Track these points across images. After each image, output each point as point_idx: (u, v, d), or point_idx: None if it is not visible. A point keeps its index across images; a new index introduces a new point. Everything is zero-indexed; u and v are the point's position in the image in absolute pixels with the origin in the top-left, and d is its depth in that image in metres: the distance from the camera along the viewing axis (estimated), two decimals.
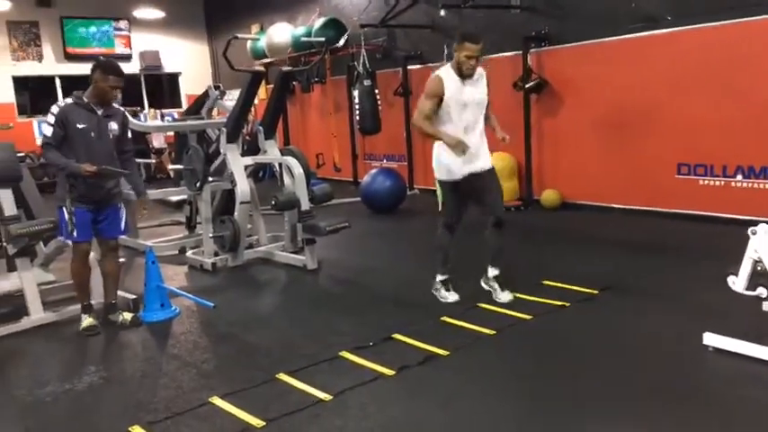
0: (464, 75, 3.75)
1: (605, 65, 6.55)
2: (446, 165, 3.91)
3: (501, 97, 7.47)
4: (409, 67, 8.62)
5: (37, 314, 3.99)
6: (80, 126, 3.70)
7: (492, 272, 4.09)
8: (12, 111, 11.78)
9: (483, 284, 4.15)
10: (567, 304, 3.87)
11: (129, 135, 4.11)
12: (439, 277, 4.14)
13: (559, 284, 4.24)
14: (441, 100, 3.76)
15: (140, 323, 4.00)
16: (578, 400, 2.71)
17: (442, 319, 3.74)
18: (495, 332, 3.48)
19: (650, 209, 6.35)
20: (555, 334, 3.49)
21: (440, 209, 4.13)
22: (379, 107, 8.41)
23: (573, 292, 4.08)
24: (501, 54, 7.43)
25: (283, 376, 3.06)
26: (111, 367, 3.42)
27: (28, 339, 3.84)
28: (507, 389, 2.87)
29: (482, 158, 3.93)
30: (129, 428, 2.62)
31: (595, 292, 4.06)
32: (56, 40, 12.10)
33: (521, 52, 7.09)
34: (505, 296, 4.01)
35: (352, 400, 2.80)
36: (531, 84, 7.01)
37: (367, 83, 8.18)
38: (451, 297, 4.09)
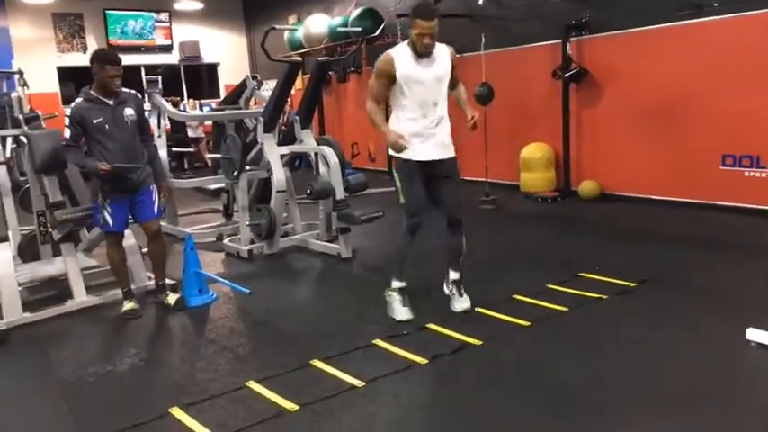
0: (420, 54, 3.40)
1: (648, 53, 6.39)
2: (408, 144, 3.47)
3: (540, 86, 7.40)
4: None
5: (80, 297, 4.12)
6: (96, 121, 3.76)
7: (452, 275, 3.79)
8: (56, 100, 12.12)
9: (445, 289, 3.88)
10: (604, 297, 3.80)
11: (147, 117, 4.14)
12: (395, 283, 3.73)
13: (596, 276, 4.17)
14: (394, 80, 3.44)
15: (185, 305, 4.09)
16: (615, 395, 2.66)
17: (476, 309, 3.72)
18: (529, 323, 3.45)
19: (692, 201, 6.19)
20: (591, 326, 3.44)
21: (401, 201, 3.62)
22: None
23: (610, 284, 4.01)
24: (540, 43, 7.32)
25: (317, 362, 3.09)
26: (150, 350, 3.52)
27: (72, 321, 3.97)
28: (541, 380, 2.84)
29: (446, 143, 3.61)
30: (169, 409, 2.68)
31: (633, 284, 3.98)
32: (99, 31, 12.38)
33: (560, 41, 6.96)
34: (461, 304, 3.69)
35: (385, 388, 2.81)
36: (571, 73, 6.88)
37: None
38: (401, 314, 3.62)
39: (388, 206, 5.76)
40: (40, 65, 11.54)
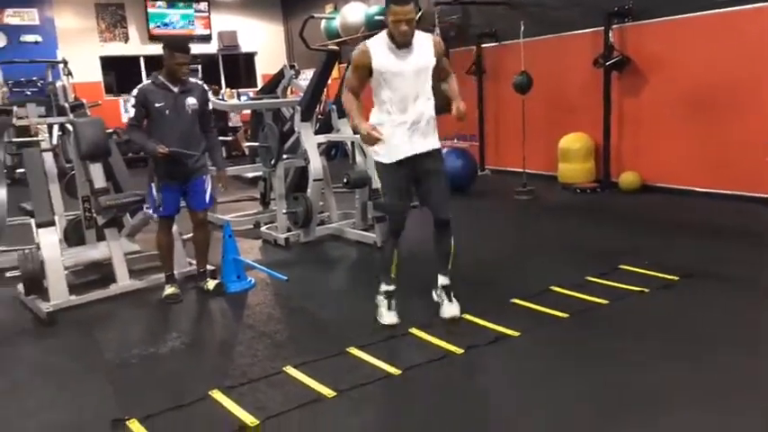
0: (398, 43, 3.16)
1: (692, 41, 6.20)
2: (386, 139, 3.23)
3: (580, 75, 7.26)
4: (483, 46, 8.46)
5: (123, 281, 4.23)
6: (157, 105, 3.84)
7: (440, 280, 3.55)
8: (99, 89, 12.40)
9: (434, 295, 3.67)
10: (646, 290, 3.72)
11: (211, 108, 4.22)
12: (382, 287, 3.53)
13: (637, 269, 4.09)
14: (370, 72, 3.23)
15: (224, 291, 4.16)
16: (658, 389, 2.61)
17: (512, 300, 3.69)
18: (568, 315, 3.40)
19: (737, 193, 6.00)
20: (632, 320, 3.38)
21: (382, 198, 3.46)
22: None
23: (652, 277, 3.93)
24: (582, 30, 7.17)
25: (353, 350, 3.11)
26: (191, 334, 3.59)
27: (115, 305, 4.07)
28: (580, 373, 2.81)
29: (428, 137, 3.33)
30: (209, 392, 2.74)
31: (676, 278, 3.89)
32: (140, 21, 12.61)
33: (602, 28, 6.80)
34: (450, 310, 3.45)
35: (421, 376, 2.81)
36: (613, 61, 6.72)
37: None
38: (389, 318, 3.44)
39: None
40: (84, 54, 11.81)
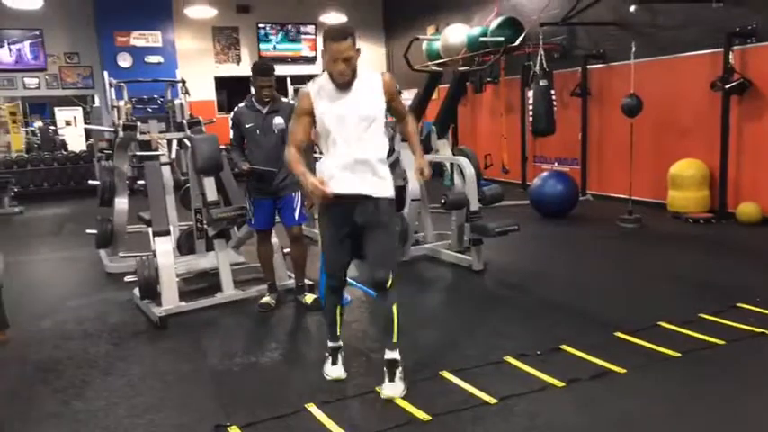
0: (338, 84, 2.80)
1: None
2: (323, 172, 2.89)
3: (695, 98, 6.87)
4: (589, 67, 8.21)
5: (228, 290, 4.42)
6: (248, 125, 4.08)
7: (386, 353, 3.00)
8: (212, 107, 13.16)
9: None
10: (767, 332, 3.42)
11: None
12: (329, 343, 3.21)
13: (757, 309, 3.77)
14: (314, 118, 2.86)
15: (321, 306, 4.25)
16: None
17: (616, 334, 3.50)
18: (679, 354, 3.18)
19: None
20: (750, 364, 3.12)
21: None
22: (554, 108, 8.11)
23: None
24: (698, 52, 6.79)
25: (447, 374, 3.07)
26: (289, 346, 3.69)
27: (220, 312, 4.26)
28: (691, 418, 2.61)
29: (376, 183, 2.85)
30: (306, 405, 2.79)
31: None
32: (252, 43, 13.29)
33: (721, 50, 6.41)
34: (390, 390, 2.89)
35: (519, 407, 2.73)
36: (733, 84, 6.31)
37: (543, 83, 7.92)
38: (334, 372, 3.13)
39: (523, 219, 5.65)
40: (200, 74, 12.59)
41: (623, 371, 3.02)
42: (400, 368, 2.97)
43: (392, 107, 2.95)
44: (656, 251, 5.71)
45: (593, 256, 5.60)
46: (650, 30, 7.32)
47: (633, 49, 6.68)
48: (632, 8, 6.75)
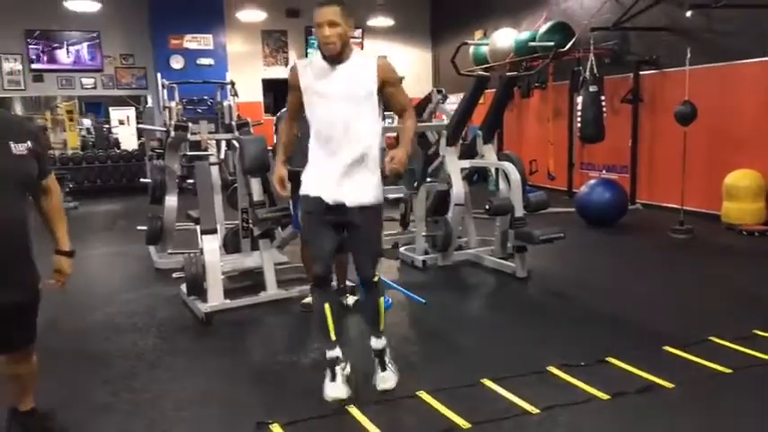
0: (327, 57, 2.64)
1: None
2: (308, 170, 2.81)
3: (752, 106, 6.64)
4: (642, 73, 8.02)
5: (272, 290, 4.48)
6: None
7: (372, 343, 3.00)
8: (259, 109, 13.38)
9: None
10: None
11: None
12: (327, 353, 2.93)
13: None
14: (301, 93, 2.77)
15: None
16: None
17: (664, 348, 3.40)
18: (731, 371, 3.07)
19: None
20: None
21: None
22: (604, 114, 7.95)
23: None
24: (759, 59, 6.55)
25: (488, 382, 3.03)
26: None
27: (264, 311, 4.32)
28: None
29: (354, 187, 2.68)
30: (347, 406, 2.80)
31: None
32: (299, 47, 13.47)
33: None
34: (383, 383, 2.92)
35: (562, 419, 2.67)
36: None
37: (593, 88, 7.77)
38: (333, 391, 2.84)
39: (569, 227, 5.54)
40: (248, 77, 12.82)
41: (671, 386, 2.93)
42: (389, 355, 3.03)
43: (387, 95, 2.70)
44: (709, 263, 5.53)
45: (641, 267, 5.46)
46: (706, 35, 7.10)
47: (688, 55, 6.49)
48: (688, 13, 6.57)
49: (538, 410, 2.72)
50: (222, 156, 6.49)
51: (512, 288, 4.87)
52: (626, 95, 8.15)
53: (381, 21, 12.97)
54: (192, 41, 12.08)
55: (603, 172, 8.80)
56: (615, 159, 8.63)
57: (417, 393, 2.93)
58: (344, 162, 2.67)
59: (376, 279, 2.93)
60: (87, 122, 14.84)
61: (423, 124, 6.48)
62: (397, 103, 2.78)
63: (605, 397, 2.84)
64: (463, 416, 2.68)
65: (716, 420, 2.68)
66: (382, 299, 3.01)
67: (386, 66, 2.69)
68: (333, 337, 2.89)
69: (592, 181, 7.35)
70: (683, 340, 3.46)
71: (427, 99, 6.96)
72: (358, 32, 13.67)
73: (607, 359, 3.26)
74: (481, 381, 3.05)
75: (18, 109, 13.20)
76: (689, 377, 3.03)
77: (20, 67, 11.44)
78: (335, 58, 2.64)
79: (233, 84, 10.49)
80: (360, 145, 2.67)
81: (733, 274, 5.10)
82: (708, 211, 7.01)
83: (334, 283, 4.44)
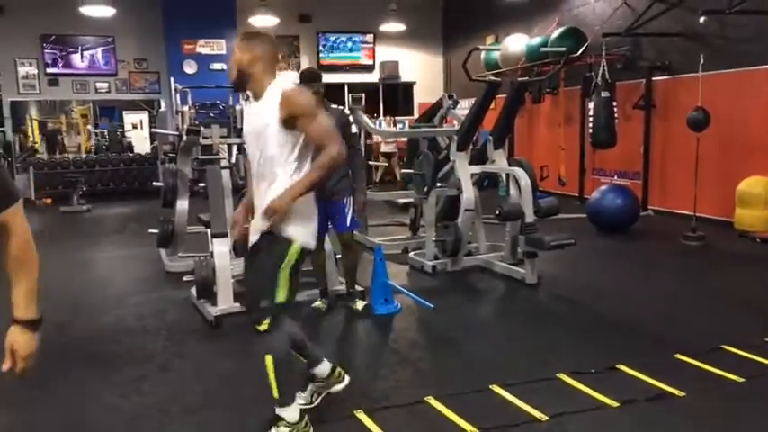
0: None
1: None
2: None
3: (765, 112, 6.57)
4: (654, 79, 7.98)
5: None
6: None
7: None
8: None
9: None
10: None
11: (354, 131, 4.37)
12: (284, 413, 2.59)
13: None
14: None
15: (371, 312, 4.27)
16: None
17: (676, 355, 3.37)
18: (743, 380, 3.04)
19: None
20: None
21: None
22: (616, 120, 7.91)
23: None
24: None
25: (497, 388, 3.02)
26: (339, 351, 3.71)
27: None
28: None
29: (260, 225, 2.50)
30: (354, 411, 2.80)
31: None
32: (311, 52, 13.53)
33: None
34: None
35: (571, 426, 2.65)
36: None
37: (604, 94, 7.73)
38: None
39: (580, 233, 5.52)
40: None
41: (682, 394, 2.90)
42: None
43: (290, 125, 2.40)
44: (721, 271, 5.47)
45: (653, 274, 5.41)
46: (719, 42, 7.05)
47: (702, 61, 6.44)
48: (701, 19, 6.53)
49: (547, 417, 2.71)
50: (233, 160, 6.52)
51: (521, 294, 4.85)
52: (638, 101, 8.11)
53: (393, 26, 13.00)
54: (204, 46, 12.16)
55: (615, 178, 8.75)
56: (627, 165, 8.58)
57: (425, 399, 2.92)
58: (261, 192, 2.52)
59: (261, 327, 2.50)
60: (105, 126, 15.02)
61: (433, 129, 6.50)
62: (310, 138, 2.46)
63: (615, 405, 2.81)
64: (471, 422, 2.67)
65: (728, 430, 2.65)
66: (270, 357, 2.51)
67: (287, 95, 2.42)
68: (289, 392, 2.60)
69: (603, 187, 7.31)
70: (695, 348, 3.43)
71: (438, 104, 6.97)
72: (369, 37, 13.72)
73: (617, 366, 3.23)
74: (490, 387, 3.03)
75: (33, 112, 13.33)
76: (700, 386, 3.00)
77: (35, 71, 11.58)
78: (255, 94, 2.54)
79: None
80: (266, 191, 2.47)
81: (746, 281, 5.04)
82: (720, 218, 6.95)
83: (359, 288, 4.46)
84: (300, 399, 2.76)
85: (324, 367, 2.82)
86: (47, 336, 3.94)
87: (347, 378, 2.88)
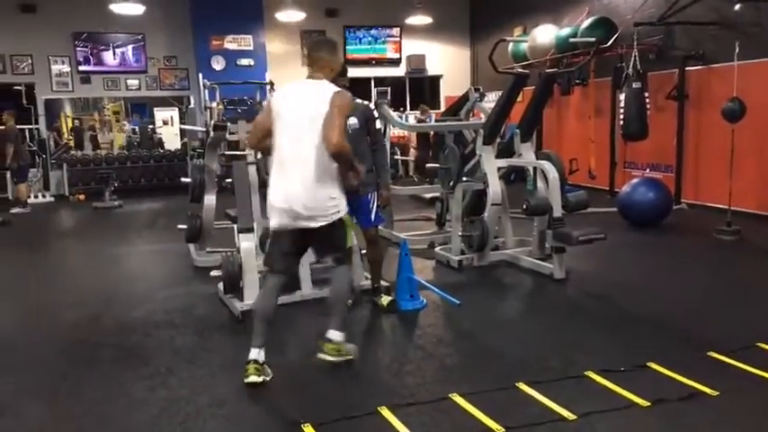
0: None
1: None
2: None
3: None
4: (687, 69, 7.77)
5: (307, 289, 4.51)
6: None
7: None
8: None
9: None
10: None
11: (379, 127, 4.34)
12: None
13: None
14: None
15: (396, 308, 4.25)
16: None
17: (709, 353, 3.28)
18: None
19: None
20: None
21: None
22: (648, 111, 7.73)
23: None
24: None
25: (523, 385, 2.97)
26: (363, 347, 3.68)
27: (298, 310, 4.34)
28: None
29: (309, 211, 3.00)
30: (378, 408, 2.79)
31: None
32: (338, 47, 13.54)
33: None
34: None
35: (600, 426, 2.60)
36: None
37: (636, 85, 7.57)
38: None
39: (610, 228, 5.42)
40: (287, 76, 12.88)
41: (715, 393, 2.82)
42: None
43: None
44: (757, 266, 5.32)
45: (686, 269, 5.28)
46: (755, 29, 6.83)
47: (737, 49, 6.25)
48: (737, 7, 6.33)
49: (575, 417, 2.66)
50: (259, 155, 6.55)
51: (549, 290, 4.78)
52: (671, 92, 7.91)
53: (419, 19, 12.92)
54: (232, 42, 12.25)
55: (647, 171, 8.57)
56: (659, 158, 8.40)
57: (450, 396, 2.89)
58: (295, 182, 3.15)
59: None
60: (136, 123, 15.29)
61: (458, 123, 6.44)
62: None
63: (645, 404, 2.75)
64: (497, 420, 2.63)
65: (764, 431, 2.56)
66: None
67: (340, 96, 3.15)
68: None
69: (635, 180, 7.16)
70: (729, 345, 3.33)
71: (464, 97, 6.91)
72: (396, 30, 13.66)
73: (648, 364, 3.16)
74: (516, 384, 2.99)
75: (67, 110, 13.61)
76: (734, 384, 2.92)
77: (68, 68, 11.82)
78: None
79: (272, 84, 10.60)
80: (318, 168, 3.09)
81: None
82: (757, 211, 6.76)
83: (384, 283, 4.44)
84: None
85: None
86: (78, 328, 4.03)
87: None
